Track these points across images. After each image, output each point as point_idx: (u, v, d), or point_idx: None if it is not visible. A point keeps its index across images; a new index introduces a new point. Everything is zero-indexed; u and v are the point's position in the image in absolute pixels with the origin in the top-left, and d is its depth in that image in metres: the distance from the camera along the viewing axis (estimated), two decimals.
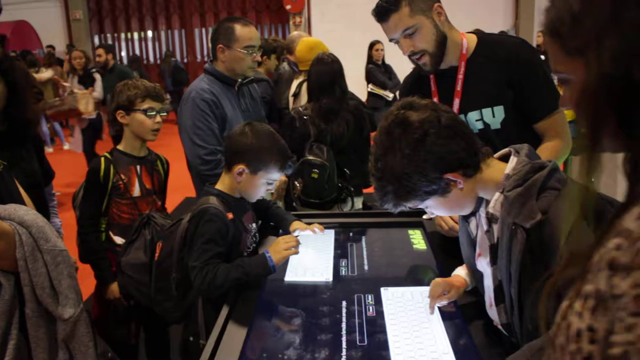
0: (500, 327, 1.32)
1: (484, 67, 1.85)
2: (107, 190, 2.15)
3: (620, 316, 0.51)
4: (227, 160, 1.83)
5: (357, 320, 1.47)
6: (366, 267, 1.83)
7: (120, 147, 2.24)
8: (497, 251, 1.25)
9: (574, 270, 0.59)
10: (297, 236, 1.78)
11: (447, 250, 1.86)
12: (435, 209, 1.33)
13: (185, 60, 14.08)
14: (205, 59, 14.50)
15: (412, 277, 1.77)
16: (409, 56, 1.86)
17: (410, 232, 2.12)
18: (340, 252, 1.95)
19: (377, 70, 6.26)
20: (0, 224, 1.42)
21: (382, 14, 1.81)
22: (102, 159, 2.16)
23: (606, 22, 0.57)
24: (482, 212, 1.33)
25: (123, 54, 14.20)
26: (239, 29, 2.48)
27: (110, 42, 14.11)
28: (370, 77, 6.35)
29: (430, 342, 1.36)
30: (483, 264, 1.36)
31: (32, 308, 1.49)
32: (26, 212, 1.51)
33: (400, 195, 1.26)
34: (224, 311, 1.50)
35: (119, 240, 2.17)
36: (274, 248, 1.70)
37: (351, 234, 2.14)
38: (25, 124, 2.04)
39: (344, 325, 1.45)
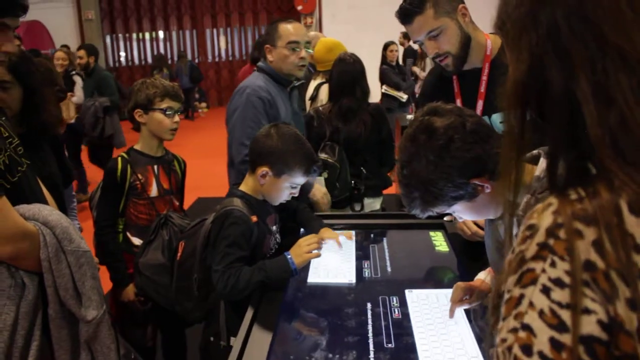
0: None
1: (499, 70, 1.82)
2: (124, 190, 2.13)
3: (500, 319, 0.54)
4: (251, 162, 1.81)
5: (383, 323, 1.45)
6: (389, 269, 1.81)
7: (137, 147, 2.22)
8: None
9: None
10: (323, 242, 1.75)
11: (469, 252, 1.84)
12: (462, 213, 1.31)
13: (197, 61, 14.11)
14: (217, 59, 14.52)
15: (436, 280, 1.75)
16: (433, 58, 1.84)
17: (432, 234, 2.09)
18: (362, 253, 1.93)
19: (391, 72, 6.23)
20: (25, 225, 1.41)
21: (406, 16, 1.78)
22: (119, 159, 2.15)
23: (525, 21, 0.57)
24: None
25: (135, 53, 14.26)
26: (282, 26, 2.43)
27: (122, 42, 14.18)
28: (384, 78, 6.32)
29: (459, 346, 1.33)
30: None
31: (55, 309, 1.49)
32: (50, 212, 1.50)
33: (428, 201, 1.24)
34: (249, 313, 1.48)
35: (136, 241, 2.16)
36: (296, 251, 1.68)
37: (372, 236, 2.12)
38: (42, 127, 2.04)
39: (370, 327, 1.43)
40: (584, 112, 0.50)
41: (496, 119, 1.82)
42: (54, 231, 1.47)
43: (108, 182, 2.15)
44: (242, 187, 1.82)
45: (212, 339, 1.84)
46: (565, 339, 0.46)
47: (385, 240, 2.06)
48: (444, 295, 1.58)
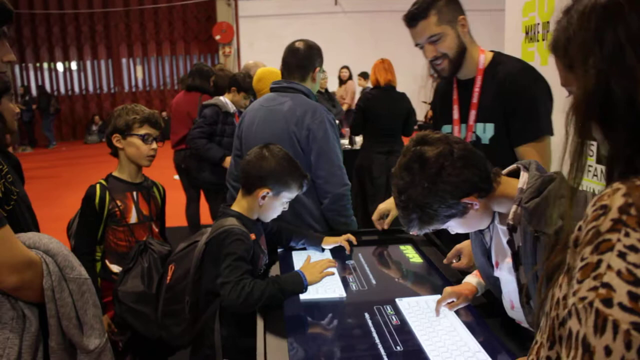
0: (525, 325, 1.44)
1: (487, 83, 1.99)
2: (103, 217, 2.11)
3: (572, 283, 0.64)
4: (247, 185, 1.87)
5: (385, 329, 1.54)
6: (374, 281, 1.90)
7: (115, 173, 2.20)
8: (520, 257, 1.38)
9: (561, 254, 0.72)
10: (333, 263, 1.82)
11: (441, 261, 1.98)
12: (456, 228, 1.47)
13: (113, 91, 13.73)
14: (133, 89, 14.19)
15: (421, 287, 1.86)
16: (431, 61, 2.00)
17: (402, 247, 2.22)
18: (343, 269, 2.01)
19: (321, 98, 6.42)
20: (29, 254, 1.38)
21: (411, 19, 1.95)
22: (98, 185, 2.12)
23: (591, 42, 0.68)
24: (497, 225, 1.46)
25: (47, 83, 13.65)
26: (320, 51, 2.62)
27: (32, 71, 13.55)
28: None
29: (461, 343, 1.44)
30: (504, 272, 1.48)
31: (57, 341, 1.45)
32: (49, 240, 1.47)
33: (425, 221, 1.41)
34: (260, 330, 1.52)
35: (115, 268, 2.12)
36: (310, 270, 1.73)
37: (347, 252, 2.21)
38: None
39: (374, 334, 1.51)
40: None
41: (488, 128, 1.98)
42: (56, 259, 1.44)
43: (86, 209, 2.12)
44: (235, 208, 1.86)
45: None
46: None
47: (360, 255, 2.16)
48: (433, 301, 1.69)
